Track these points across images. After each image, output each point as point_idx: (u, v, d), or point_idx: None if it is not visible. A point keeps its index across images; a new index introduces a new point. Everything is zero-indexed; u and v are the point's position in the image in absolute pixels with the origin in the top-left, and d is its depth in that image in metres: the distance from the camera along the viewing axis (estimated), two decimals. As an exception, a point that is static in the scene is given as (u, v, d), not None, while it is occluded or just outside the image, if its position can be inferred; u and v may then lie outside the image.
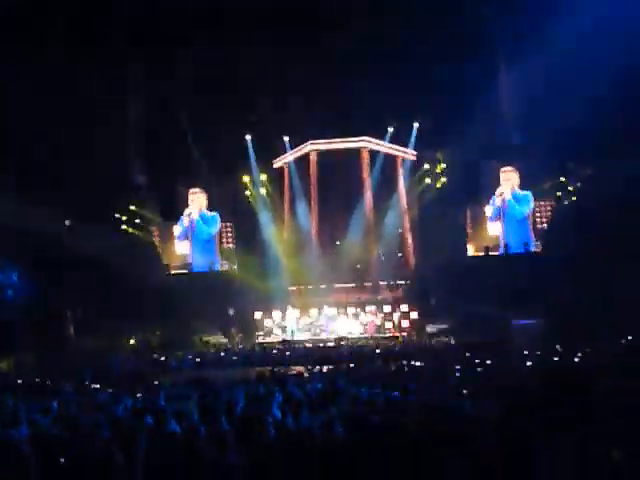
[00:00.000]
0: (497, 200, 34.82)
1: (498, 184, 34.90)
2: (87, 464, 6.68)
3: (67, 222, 32.53)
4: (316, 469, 6.40)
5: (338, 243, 35.51)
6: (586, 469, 5.43)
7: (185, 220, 35.81)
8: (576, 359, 17.28)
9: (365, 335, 31.79)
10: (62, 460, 7.33)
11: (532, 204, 34.89)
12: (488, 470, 5.96)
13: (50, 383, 19.63)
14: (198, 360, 25.73)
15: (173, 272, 35.85)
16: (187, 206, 36.10)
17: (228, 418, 8.97)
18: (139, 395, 12.97)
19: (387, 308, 33.40)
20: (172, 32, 29.82)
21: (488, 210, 35.24)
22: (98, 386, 17.86)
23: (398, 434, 6.92)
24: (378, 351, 25.22)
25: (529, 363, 15.90)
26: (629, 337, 24.08)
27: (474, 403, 8.57)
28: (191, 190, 36.31)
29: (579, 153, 31.81)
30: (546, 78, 27.49)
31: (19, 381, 20.15)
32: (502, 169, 34.88)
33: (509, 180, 34.78)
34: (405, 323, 32.89)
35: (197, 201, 36.35)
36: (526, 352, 20.19)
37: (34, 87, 26.20)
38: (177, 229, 36.30)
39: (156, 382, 16.20)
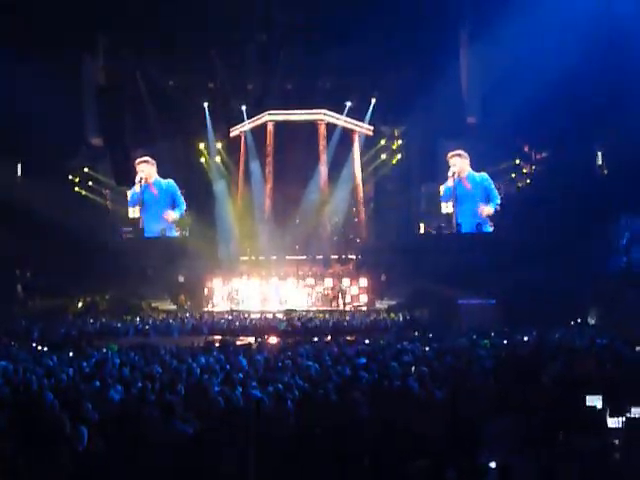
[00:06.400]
0: (449, 180, 34.98)
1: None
2: (33, 428, 6.62)
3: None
4: (266, 440, 6.41)
5: (291, 215, 35.27)
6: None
7: (137, 186, 35.43)
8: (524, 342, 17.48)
9: (315, 308, 31.77)
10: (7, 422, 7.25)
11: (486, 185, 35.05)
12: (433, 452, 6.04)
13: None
14: (146, 326, 25.50)
15: (124, 237, 35.42)
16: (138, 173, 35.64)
17: (175, 387, 8.94)
18: (85, 360, 12.86)
19: (337, 282, 33.34)
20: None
21: (442, 189, 35.38)
22: (45, 349, 17.69)
23: (347, 413, 6.97)
24: (328, 324, 25.28)
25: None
26: (578, 320, 24.57)
27: (422, 386, 8.67)
28: (138, 159, 35.85)
29: (536, 137, 32.12)
30: (507, 61, 27.46)
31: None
32: (449, 154, 35.00)
33: (455, 165, 34.98)
34: (355, 298, 32.95)
35: (147, 170, 35.95)
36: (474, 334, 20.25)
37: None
38: (129, 194, 35.90)
39: (103, 348, 16.02)
